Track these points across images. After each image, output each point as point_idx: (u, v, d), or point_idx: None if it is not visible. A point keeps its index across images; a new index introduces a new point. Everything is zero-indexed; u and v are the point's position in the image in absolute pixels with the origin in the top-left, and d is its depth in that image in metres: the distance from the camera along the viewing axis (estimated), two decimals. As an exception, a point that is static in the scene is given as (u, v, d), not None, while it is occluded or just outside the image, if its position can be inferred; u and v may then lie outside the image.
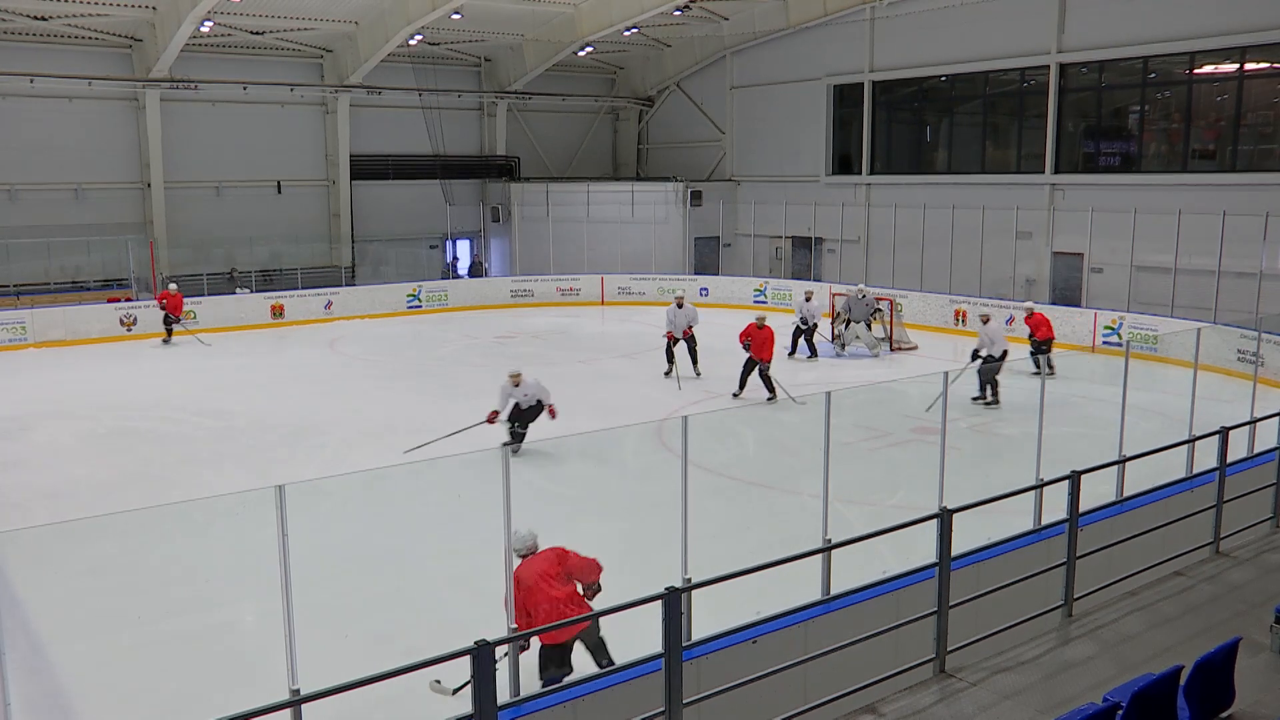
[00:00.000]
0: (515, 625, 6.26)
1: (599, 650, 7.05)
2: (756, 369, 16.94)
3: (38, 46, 25.15)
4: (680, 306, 19.18)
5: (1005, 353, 17.17)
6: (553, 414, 13.69)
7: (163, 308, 22.91)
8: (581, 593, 7.16)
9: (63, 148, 25.94)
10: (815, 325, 20.96)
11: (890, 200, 27.94)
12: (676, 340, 18.91)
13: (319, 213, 30.32)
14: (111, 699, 7.69)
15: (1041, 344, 17.85)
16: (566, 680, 5.88)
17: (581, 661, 6.17)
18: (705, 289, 29.08)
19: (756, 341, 16.93)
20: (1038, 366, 16.01)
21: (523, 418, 13.80)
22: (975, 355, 17.50)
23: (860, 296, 21.59)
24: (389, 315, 27.31)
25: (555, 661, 6.96)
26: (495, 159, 33.22)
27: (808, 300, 21.11)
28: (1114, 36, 23.20)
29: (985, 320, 17.94)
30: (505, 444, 13.35)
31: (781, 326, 19.35)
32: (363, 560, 9.97)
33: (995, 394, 16.51)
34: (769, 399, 16.71)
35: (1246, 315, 20.13)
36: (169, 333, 22.94)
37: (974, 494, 7.27)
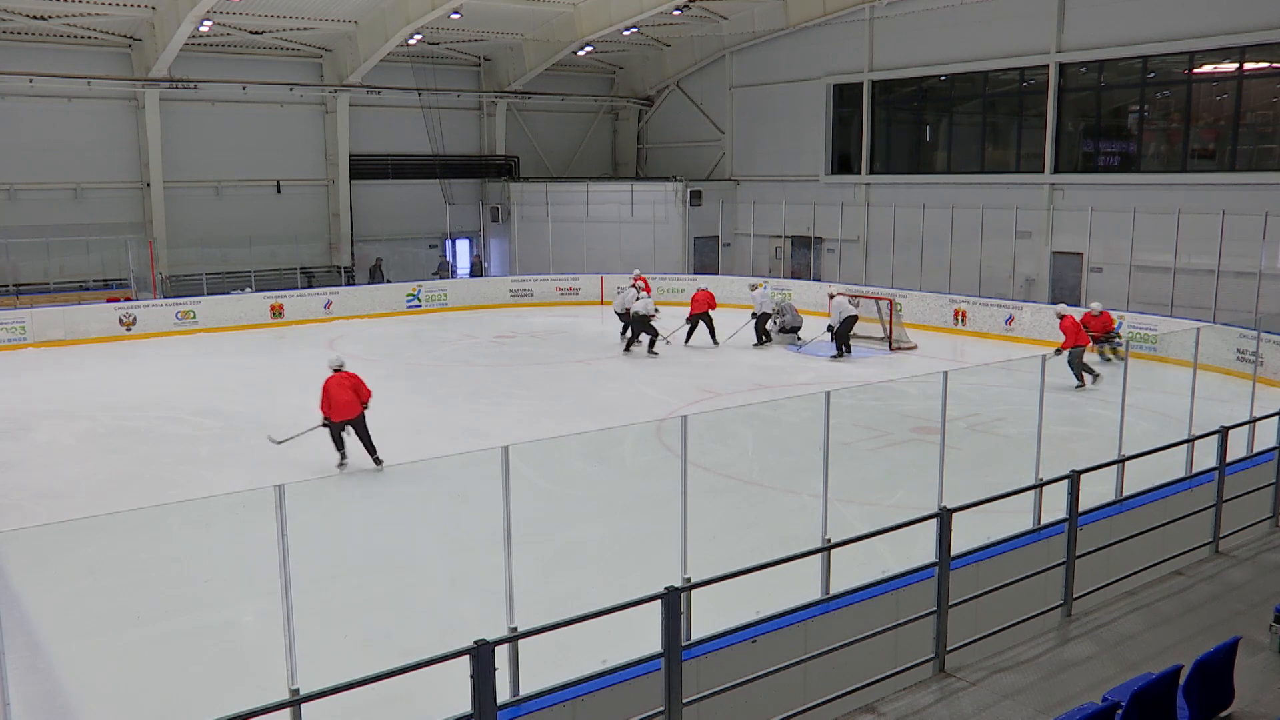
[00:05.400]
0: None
1: (365, 440, 12.69)
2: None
3: (38, 46, 25.13)
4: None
5: (849, 320, 20.88)
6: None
7: None
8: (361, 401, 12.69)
9: (63, 148, 25.92)
10: (766, 314, 22.52)
11: (890, 200, 27.94)
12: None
13: (319, 212, 30.32)
14: (111, 699, 7.69)
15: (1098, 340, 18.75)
16: (566, 680, 5.88)
17: (582, 664, 6.17)
18: (766, 287, 29.04)
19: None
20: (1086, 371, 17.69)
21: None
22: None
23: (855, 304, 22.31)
24: (389, 315, 27.32)
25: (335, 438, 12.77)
26: (495, 159, 33.22)
27: (753, 290, 23.09)
28: (1114, 36, 23.20)
29: (832, 296, 21.98)
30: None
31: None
32: (363, 560, 9.97)
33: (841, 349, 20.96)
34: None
35: (1246, 315, 20.14)
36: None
37: (974, 494, 7.28)
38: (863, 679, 6.17)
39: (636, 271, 25.77)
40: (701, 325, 22.38)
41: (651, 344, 21.40)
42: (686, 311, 22.70)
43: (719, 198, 31.59)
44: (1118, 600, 7.35)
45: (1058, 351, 17.64)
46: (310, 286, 28.02)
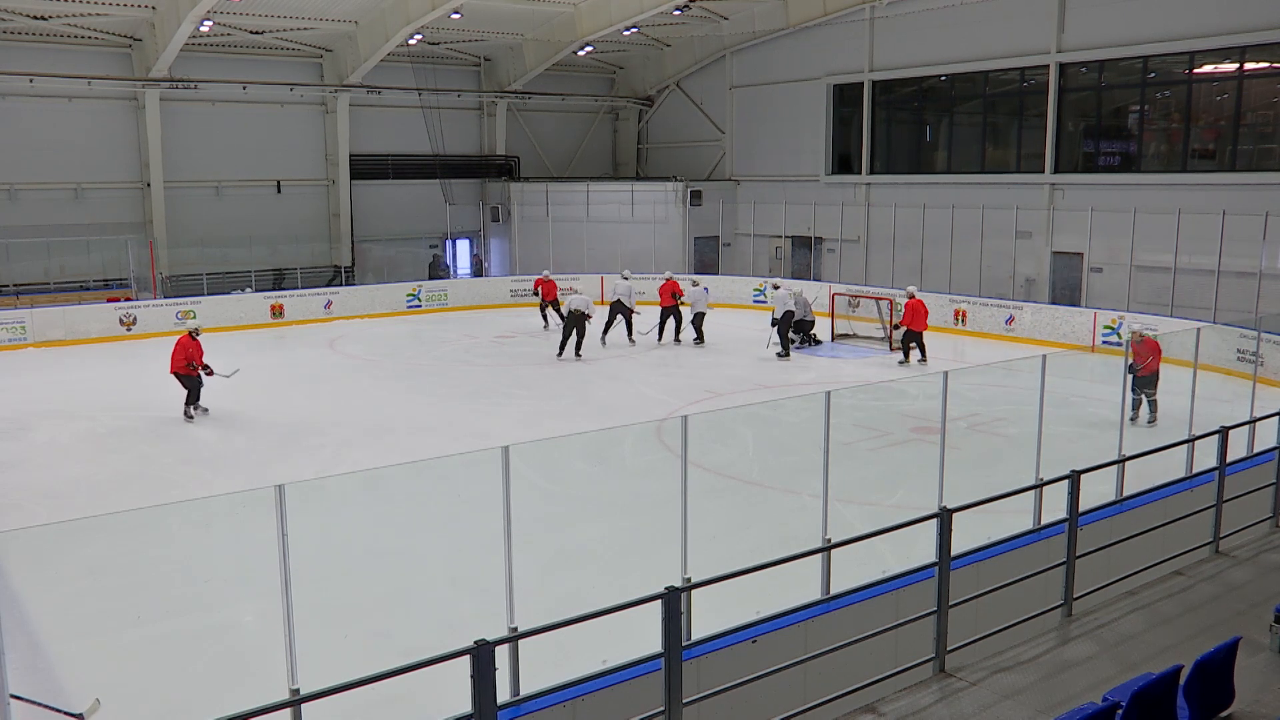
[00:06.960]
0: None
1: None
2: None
3: (38, 46, 25.13)
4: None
5: (789, 314, 21.02)
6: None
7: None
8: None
9: (63, 148, 25.92)
10: (701, 314, 22.67)
11: (890, 200, 27.94)
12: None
13: (319, 212, 30.32)
14: (112, 699, 7.67)
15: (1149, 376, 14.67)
16: (566, 680, 5.89)
17: (582, 664, 6.17)
18: (705, 289, 29.05)
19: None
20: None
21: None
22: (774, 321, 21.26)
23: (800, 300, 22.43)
24: (389, 315, 27.32)
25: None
26: (495, 159, 33.22)
27: (695, 287, 23.24)
28: (1114, 36, 23.20)
29: (775, 287, 22.42)
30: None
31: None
32: (363, 560, 9.97)
33: (786, 348, 20.96)
34: None
35: (1246, 315, 20.13)
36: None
37: (974, 494, 7.28)
38: (863, 679, 6.17)
39: (546, 273, 26.13)
40: (673, 319, 22.83)
41: (577, 346, 21.00)
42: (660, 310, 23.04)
43: (719, 198, 31.58)
44: (1118, 600, 7.35)
45: (896, 326, 20.45)
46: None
